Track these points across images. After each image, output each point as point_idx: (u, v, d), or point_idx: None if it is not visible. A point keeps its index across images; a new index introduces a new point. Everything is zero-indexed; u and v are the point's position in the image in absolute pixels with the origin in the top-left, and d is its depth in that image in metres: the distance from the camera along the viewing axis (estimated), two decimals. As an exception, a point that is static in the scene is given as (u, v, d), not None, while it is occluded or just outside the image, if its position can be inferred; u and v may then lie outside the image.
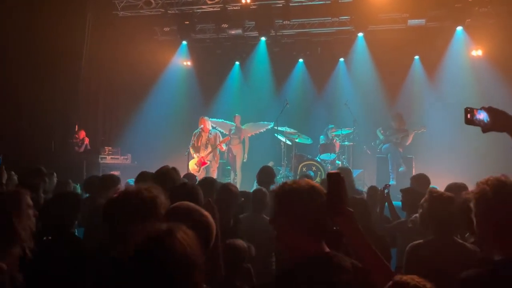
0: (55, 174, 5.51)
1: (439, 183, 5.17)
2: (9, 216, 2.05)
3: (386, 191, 4.24)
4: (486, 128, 1.95)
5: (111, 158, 9.51)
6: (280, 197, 1.76)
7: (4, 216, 2.05)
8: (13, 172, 4.12)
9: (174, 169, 3.57)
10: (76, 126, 9.65)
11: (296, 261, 1.70)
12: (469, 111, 1.97)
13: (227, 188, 3.60)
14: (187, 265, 1.34)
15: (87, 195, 4.57)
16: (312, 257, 1.67)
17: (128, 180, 5.84)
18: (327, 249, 1.72)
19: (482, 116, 1.95)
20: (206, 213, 1.96)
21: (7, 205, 2.10)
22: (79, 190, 6.04)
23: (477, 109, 1.95)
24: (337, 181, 1.64)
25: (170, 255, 1.32)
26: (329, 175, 1.67)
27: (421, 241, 2.68)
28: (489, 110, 1.94)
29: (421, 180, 4.81)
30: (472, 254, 2.53)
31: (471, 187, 3.97)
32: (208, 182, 4.05)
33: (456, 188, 4.50)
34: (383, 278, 1.50)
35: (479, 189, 1.78)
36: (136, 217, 1.87)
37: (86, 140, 9.73)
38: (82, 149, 9.58)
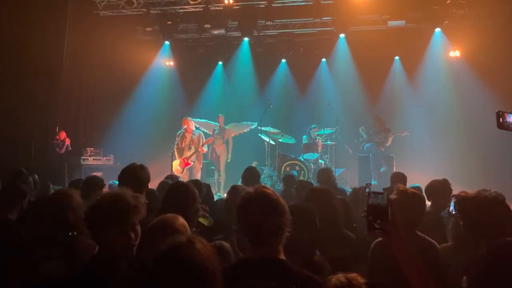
0: (36, 176, 5.44)
1: (419, 182, 5.30)
2: None
3: (367, 190, 4.32)
4: None
5: (93, 159, 9.40)
6: None
7: None
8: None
9: (141, 166, 3.41)
10: (57, 127, 9.49)
11: None
12: (500, 114, 1.86)
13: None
14: (206, 274, 1.41)
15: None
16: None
17: (110, 182, 5.78)
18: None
19: None
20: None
21: None
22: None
23: (507, 113, 1.85)
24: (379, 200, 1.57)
25: (190, 263, 1.39)
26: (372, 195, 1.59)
27: None
28: None
29: (398, 177, 4.96)
30: (432, 246, 2.61)
31: (452, 185, 4.12)
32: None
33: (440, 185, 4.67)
34: None
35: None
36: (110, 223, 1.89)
37: (67, 141, 9.59)
38: (63, 150, 9.43)
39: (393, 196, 2.73)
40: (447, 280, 2.38)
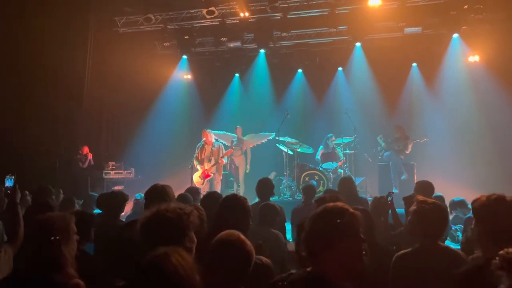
0: (61, 191, 5.59)
1: (440, 190, 5.24)
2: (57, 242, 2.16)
3: (389, 198, 4.30)
4: None
5: (115, 173, 9.58)
6: None
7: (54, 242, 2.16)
8: (27, 192, 4.18)
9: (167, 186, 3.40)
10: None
11: None
12: None
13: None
14: (180, 285, 1.47)
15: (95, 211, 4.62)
16: None
17: (136, 195, 5.88)
18: None
19: None
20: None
21: (56, 230, 2.20)
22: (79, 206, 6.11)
23: None
24: None
25: (164, 275, 1.47)
26: None
27: (407, 250, 2.67)
28: None
29: (425, 187, 4.86)
30: (456, 255, 2.56)
31: (473, 192, 4.06)
32: (214, 197, 4.09)
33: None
34: None
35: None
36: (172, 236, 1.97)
37: (90, 156, 9.81)
38: (85, 165, 9.65)
39: (412, 208, 2.71)
40: None
